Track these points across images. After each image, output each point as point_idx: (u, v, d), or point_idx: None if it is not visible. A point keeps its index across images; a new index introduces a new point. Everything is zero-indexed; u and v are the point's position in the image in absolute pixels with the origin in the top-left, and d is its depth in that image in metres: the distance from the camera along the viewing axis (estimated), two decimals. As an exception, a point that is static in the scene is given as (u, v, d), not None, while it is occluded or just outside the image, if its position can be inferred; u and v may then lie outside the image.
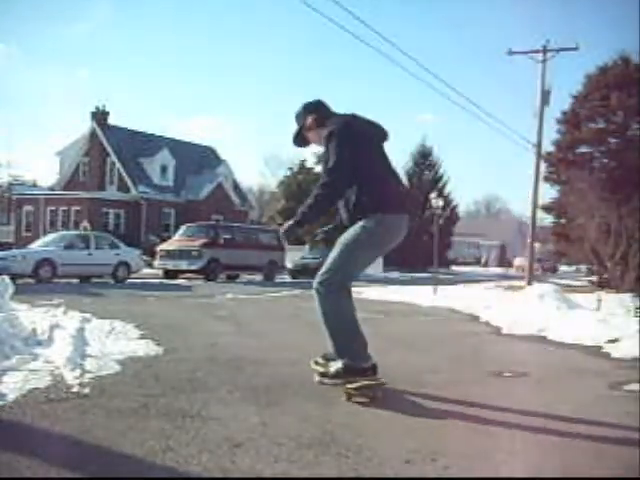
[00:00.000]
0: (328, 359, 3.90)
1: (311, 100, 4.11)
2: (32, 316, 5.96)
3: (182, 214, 35.70)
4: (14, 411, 3.10)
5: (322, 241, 4.66)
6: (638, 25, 49.49)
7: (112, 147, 36.46)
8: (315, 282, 3.76)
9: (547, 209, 29.01)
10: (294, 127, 4.12)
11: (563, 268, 43.95)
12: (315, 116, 3.98)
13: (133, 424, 2.94)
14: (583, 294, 13.87)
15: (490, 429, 3.16)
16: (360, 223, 3.72)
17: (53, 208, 34.86)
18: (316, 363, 4.03)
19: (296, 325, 7.62)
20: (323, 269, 3.77)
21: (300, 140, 4.17)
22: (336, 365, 3.73)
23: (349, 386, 3.62)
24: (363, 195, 3.71)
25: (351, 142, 3.71)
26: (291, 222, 3.86)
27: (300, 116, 4.07)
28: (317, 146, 4.16)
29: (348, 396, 3.60)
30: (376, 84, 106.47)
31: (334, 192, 3.76)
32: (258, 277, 22.41)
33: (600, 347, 6.21)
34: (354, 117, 3.96)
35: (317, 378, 3.93)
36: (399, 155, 44.83)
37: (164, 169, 37.96)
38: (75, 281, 16.90)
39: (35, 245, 18.09)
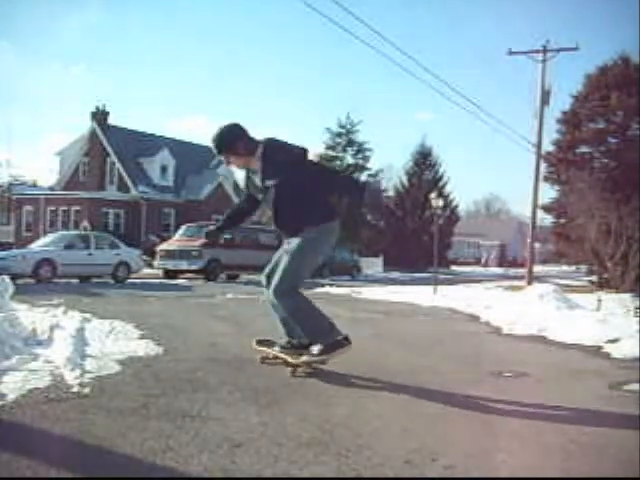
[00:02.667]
0: (296, 347, 4.30)
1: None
2: (32, 316, 5.95)
3: (182, 214, 35.66)
4: (14, 411, 3.10)
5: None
6: (638, 25, 49.44)
7: (112, 147, 36.42)
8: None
9: (547, 209, 29.05)
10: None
11: (563, 268, 43.88)
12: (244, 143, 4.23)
13: (133, 424, 2.94)
14: (583, 294, 13.88)
15: (490, 429, 3.16)
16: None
17: (53, 208, 34.83)
18: (272, 347, 4.51)
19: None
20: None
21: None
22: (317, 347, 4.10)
23: (294, 361, 4.14)
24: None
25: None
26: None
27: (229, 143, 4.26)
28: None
29: (293, 370, 4.13)
30: (376, 84, 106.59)
31: None
32: (258, 277, 22.40)
33: (600, 347, 6.21)
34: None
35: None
36: (399, 154, 44.97)
37: (164, 169, 37.92)
38: (75, 281, 16.87)
39: (35, 245, 18.05)
